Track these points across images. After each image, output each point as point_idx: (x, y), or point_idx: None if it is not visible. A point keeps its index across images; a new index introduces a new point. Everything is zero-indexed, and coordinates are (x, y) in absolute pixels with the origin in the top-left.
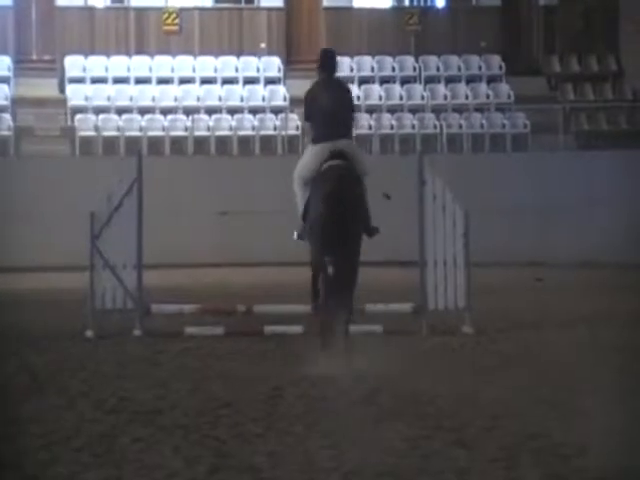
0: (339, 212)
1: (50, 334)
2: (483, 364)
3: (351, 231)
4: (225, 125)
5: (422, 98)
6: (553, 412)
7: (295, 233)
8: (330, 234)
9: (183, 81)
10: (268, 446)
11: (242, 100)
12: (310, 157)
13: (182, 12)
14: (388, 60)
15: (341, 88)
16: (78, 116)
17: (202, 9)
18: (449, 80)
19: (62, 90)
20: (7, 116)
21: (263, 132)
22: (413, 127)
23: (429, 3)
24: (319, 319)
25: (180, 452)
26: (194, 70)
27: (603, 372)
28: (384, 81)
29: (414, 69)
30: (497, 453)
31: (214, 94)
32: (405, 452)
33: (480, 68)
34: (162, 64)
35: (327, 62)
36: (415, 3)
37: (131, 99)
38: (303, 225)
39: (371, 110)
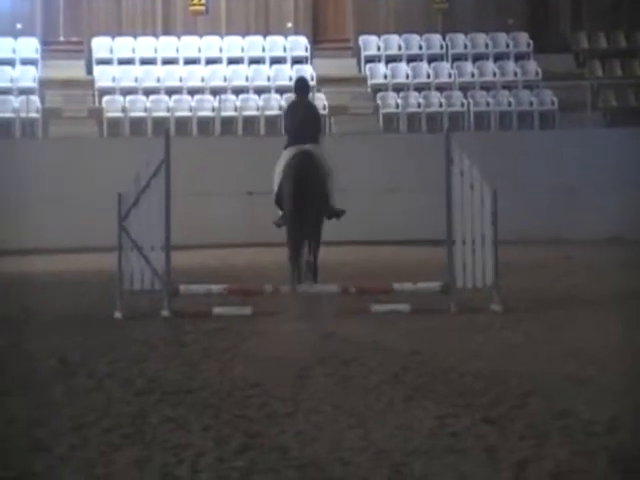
0: (301, 186)
1: (78, 316)
2: (511, 342)
3: (310, 199)
4: (252, 105)
5: (449, 76)
6: (582, 390)
7: (274, 223)
8: (293, 198)
9: (210, 61)
10: (297, 426)
11: (269, 80)
12: (282, 159)
13: None
14: (415, 38)
15: (311, 108)
16: (105, 97)
17: None
18: (476, 58)
19: (89, 71)
20: (35, 98)
21: None
22: (440, 105)
23: None
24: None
25: (209, 432)
26: (221, 50)
27: (632, 349)
28: (411, 59)
29: (441, 47)
30: (526, 431)
31: (241, 74)
32: (434, 430)
33: (508, 45)
34: (189, 45)
35: (300, 88)
36: None
37: (158, 80)
38: (281, 217)
39: (398, 89)
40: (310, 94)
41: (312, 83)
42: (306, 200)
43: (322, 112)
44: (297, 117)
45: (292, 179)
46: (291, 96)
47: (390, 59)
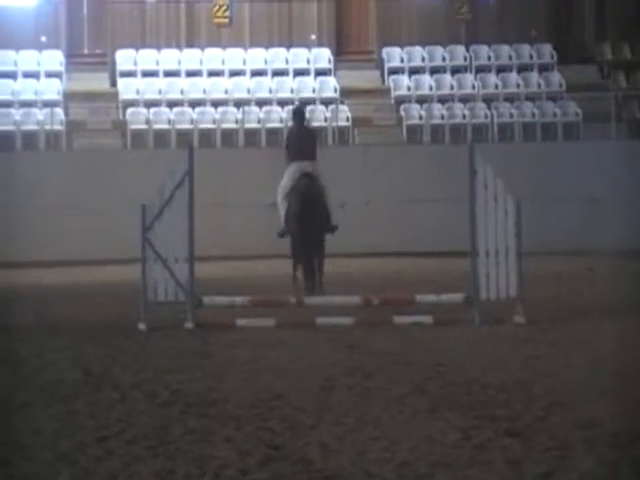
0: (307, 208)
1: (102, 327)
2: (535, 353)
3: (316, 218)
4: (276, 117)
5: (473, 87)
6: (606, 401)
7: (277, 233)
8: (302, 219)
9: (233, 73)
10: (320, 437)
11: (292, 92)
12: (288, 177)
13: (232, 4)
14: (438, 50)
15: (308, 131)
16: (129, 109)
17: (252, 1)
18: (500, 69)
19: (113, 84)
20: (59, 110)
21: (314, 124)
22: (464, 117)
23: None
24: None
25: (232, 443)
26: (244, 62)
27: None
28: (434, 71)
29: (465, 58)
30: (550, 442)
31: (264, 86)
32: (457, 442)
33: (531, 57)
34: (212, 56)
35: (298, 117)
36: None
37: (182, 92)
38: (284, 227)
39: (422, 100)
40: (306, 121)
41: (335, 95)
42: (313, 218)
43: (346, 124)
44: (297, 139)
45: (300, 200)
46: (314, 108)
47: (413, 71)
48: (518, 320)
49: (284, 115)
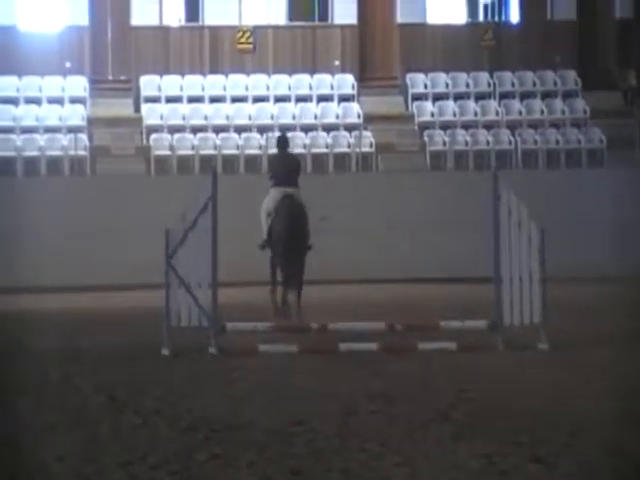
0: (293, 227)
1: (126, 352)
2: (559, 380)
3: (299, 237)
4: (299, 143)
5: (497, 114)
6: (632, 428)
7: (258, 245)
8: (287, 239)
9: (257, 99)
10: (343, 463)
11: (316, 118)
12: (271, 197)
13: (256, 30)
14: (462, 76)
15: (292, 157)
16: (153, 135)
17: (276, 27)
18: (524, 96)
19: (137, 109)
20: (83, 136)
21: (337, 150)
22: (488, 143)
23: (504, 18)
24: (275, 296)
25: (255, 468)
26: (268, 88)
27: None
28: (458, 97)
29: (489, 85)
30: (575, 469)
31: (288, 112)
32: (482, 469)
33: (555, 83)
34: (236, 83)
35: (282, 144)
36: (489, 18)
37: (206, 118)
38: (266, 240)
39: (445, 126)
40: (290, 148)
41: (359, 121)
42: (296, 236)
43: (369, 149)
44: (281, 166)
45: (286, 219)
46: (337, 134)
47: (437, 97)
48: (542, 347)
49: (307, 141)
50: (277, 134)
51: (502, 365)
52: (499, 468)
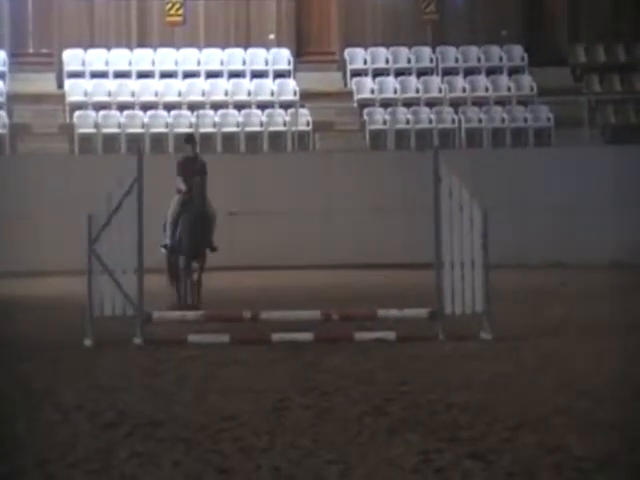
0: (197, 231)
1: (46, 343)
2: (502, 372)
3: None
4: (232, 121)
5: (440, 91)
6: (574, 423)
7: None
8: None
9: (187, 75)
10: (273, 461)
11: (250, 94)
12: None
13: (186, 2)
14: (404, 51)
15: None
16: (77, 112)
17: None
18: (468, 72)
19: (60, 85)
20: (3, 113)
21: (272, 128)
22: (430, 121)
23: None
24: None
25: (181, 468)
26: (199, 63)
27: (627, 381)
28: (399, 73)
29: (431, 60)
30: (514, 467)
31: (220, 88)
32: (418, 466)
33: (501, 59)
34: (165, 57)
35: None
36: None
37: (133, 94)
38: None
39: (386, 104)
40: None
41: (295, 98)
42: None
43: (306, 128)
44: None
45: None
46: (272, 112)
47: (377, 73)
48: (484, 336)
49: (241, 119)
50: (208, 112)
51: (443, 356)
52: (435, 465)
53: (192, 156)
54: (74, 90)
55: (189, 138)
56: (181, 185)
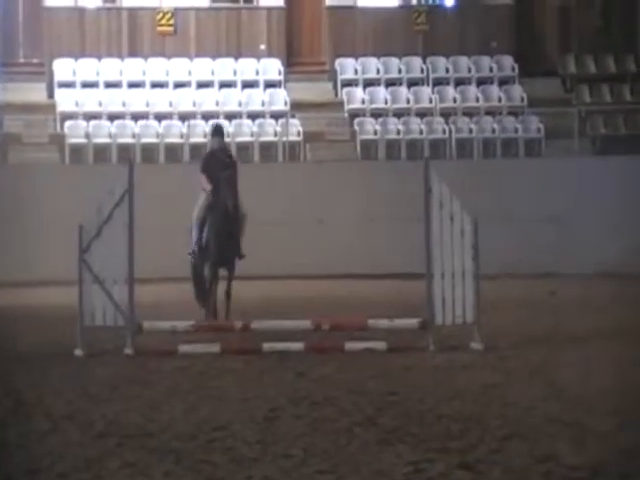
0: (225, 236)
1: (36, 353)
2: (492, 382)
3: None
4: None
5: (430, 101)
6: (565, 433)
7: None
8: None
9: (178, 85)
10: (264, 471)
11: (240, 105)
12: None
13: (177, 12)
14: (394, 61)
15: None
16: (68, 122)
17: (198, 9)
18: (459, 82)
19: (51, 95)
20: None
21: (263, 138)
22: (421, 132)
23: (437, 1)
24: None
25: (171, 478)
26: (190, 73)
27: (618, 390)
28: (390, 83)
29: (422, 71)
30: (505, 477)
31: (211, 98)
32: (408, 476)
33: (491, 69)
34: (156, 67)
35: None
36: (423, 1)
37: (123, 104)
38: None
39: (377, 114)
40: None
41: (286, 108)
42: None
43: (297, 138)
44: (218, 165)
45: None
46: (262, 122)
47: (368, 83)
48: (475, 347)
49: (231, 129)
50: (198, 122)
51: (433, 366)
52: (426, 475)
53: (220, 150)
54: (65, 100)
55: (217, 129)
56: (205, 184)
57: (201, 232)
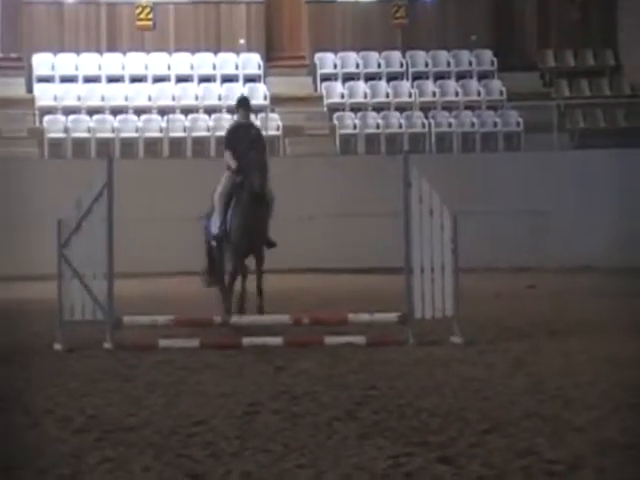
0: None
1: (15, 347)
2: (472, 376)
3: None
4: (202, 126)
5: (410, 95)
6: (544, 427)
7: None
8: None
9: (157, 79)
10: (243, 466)
11: (220, 99)
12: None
13: (156, 6)
14: (374, 56)
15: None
16: (47, 117)
17: (177, 3)
18: (438, 76)
19: (30, 90)
20: None
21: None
22: (400, 126)
23: None
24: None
25: (151, 472)
26: (169, 68)
27: (597, 384)
28: (369, 78)
29: (401, 65)
30: (484, 471)
31: (190, 93)
32: (388, 470)
33: (470, 64)
34: (135, 61)
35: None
36: None
37: (102, 99)
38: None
39: (356, 108)
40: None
41: (265, 102)
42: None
43: (276, 133)
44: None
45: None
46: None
47: (347, 77)
48: (454, 341)
49: (211, 124)
50: (178, 116)
51: (412, 360)
52: (405, 469)
53: (245, 124)
54: (44, 94)
55: (242, 101)
56: (231, 161)
57: (225, 216)
